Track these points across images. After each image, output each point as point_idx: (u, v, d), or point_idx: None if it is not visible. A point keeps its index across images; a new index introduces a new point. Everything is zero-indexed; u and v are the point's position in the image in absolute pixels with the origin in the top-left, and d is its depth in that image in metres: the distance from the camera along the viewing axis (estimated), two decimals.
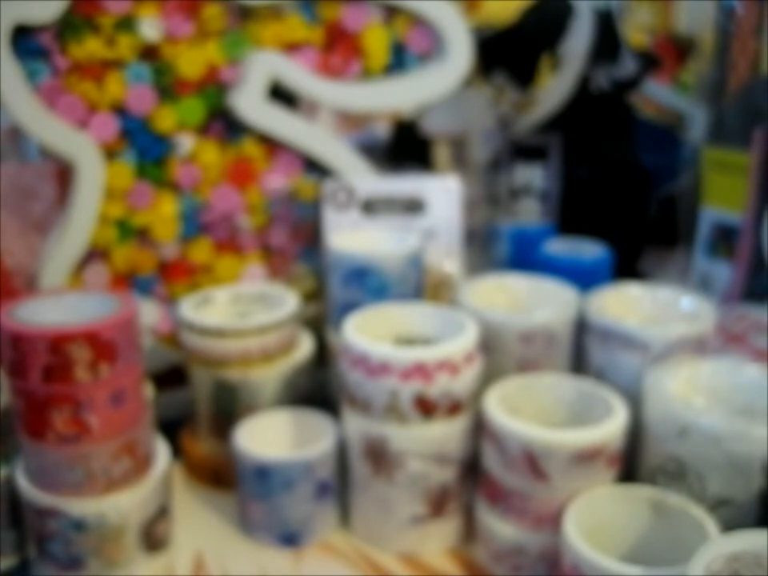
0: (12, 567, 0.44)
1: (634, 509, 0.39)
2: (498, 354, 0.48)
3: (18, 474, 0.41)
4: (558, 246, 0.63)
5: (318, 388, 0.54)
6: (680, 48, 0.89)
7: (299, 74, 0.57)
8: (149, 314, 0.57)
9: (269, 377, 0.50)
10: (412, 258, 0.52)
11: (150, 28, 0.53)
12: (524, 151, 0.77)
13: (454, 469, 0.44)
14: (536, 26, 0.76)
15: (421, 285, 0.53)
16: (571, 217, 0.74)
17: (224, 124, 0.57)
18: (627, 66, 0.77)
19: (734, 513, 0.38)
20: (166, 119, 0.55)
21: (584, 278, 0.54)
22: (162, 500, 0.43)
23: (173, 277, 0.58)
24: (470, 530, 0.46)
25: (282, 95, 0.57)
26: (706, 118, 0.83)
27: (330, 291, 0.53)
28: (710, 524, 0.36)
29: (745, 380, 0.44)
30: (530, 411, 0.44)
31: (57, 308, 0.41)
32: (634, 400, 0.44)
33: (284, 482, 0.45)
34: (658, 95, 0.89)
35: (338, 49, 0.58)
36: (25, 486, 0.41)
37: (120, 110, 0.54)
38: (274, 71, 0.56)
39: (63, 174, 0.54)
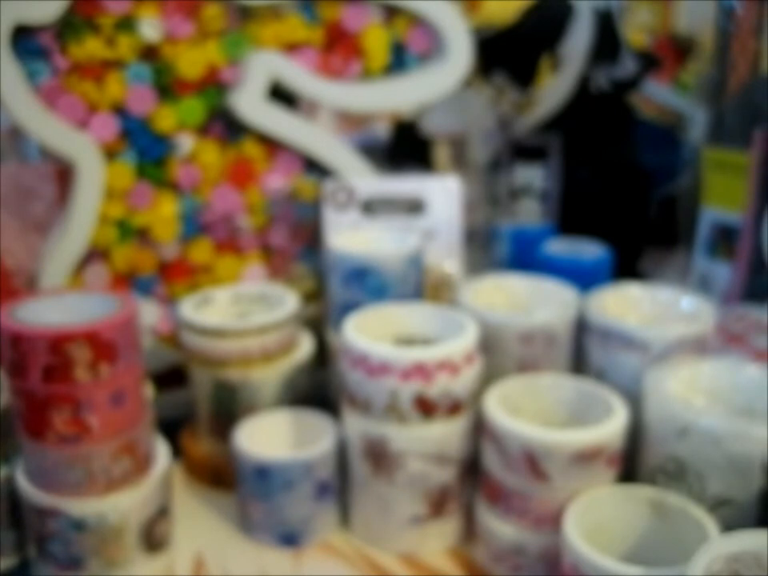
0: (12, 567, 0.44)
1: (634, 509, 0.39)
2: (497, 354, 0.48)
3: (18, 473, 0.41)
4: (558, 246, 0.63)
5: (317, 388, 0.54)
6: (680, 48, 0.89)
7: (299, 74, 0.57)
8: (149, 314, 0.57)
9: (269, 377, 0.50)
10: (412, 258, 0.51)
11: (150, 28, 0.53)
12: (524, 151, 0.77)
13: (454, 469, 0.44)
14: (536, 26, 0.76)
15: (421, 285, 0.53)
16: (571, 217, 0.74)
17: (224, 124, 0.57)
18: (627, 66, 0.77)
19: (734, 513, 0.38)
20: (165, 119, 0.55)
21: (584, 278, 0.54)
22: (162, 500, 0.43)
23: (173, 277, 0.58)
24: (470, 530, 0.46)
25: (282, 95, 0.57)
26: (706, 118, 0.83)
27: (330, 291, 0.53)
28: (710, 524, 0.36)
29: (745, 380, 0.44)
30: (530, 411, 0.44)
31: (57, 308, 0.41)
32: (634, 400, 0.44)
33: (284, 482, 0.45)
34: (657, 95, 0.89)
35: (338, 49, 0.58)
36: (25, 485, 0.41)
37: (120, 110, 0.54)
38: (274, 71, 0.56)
39: (63, 174, 0.54)
